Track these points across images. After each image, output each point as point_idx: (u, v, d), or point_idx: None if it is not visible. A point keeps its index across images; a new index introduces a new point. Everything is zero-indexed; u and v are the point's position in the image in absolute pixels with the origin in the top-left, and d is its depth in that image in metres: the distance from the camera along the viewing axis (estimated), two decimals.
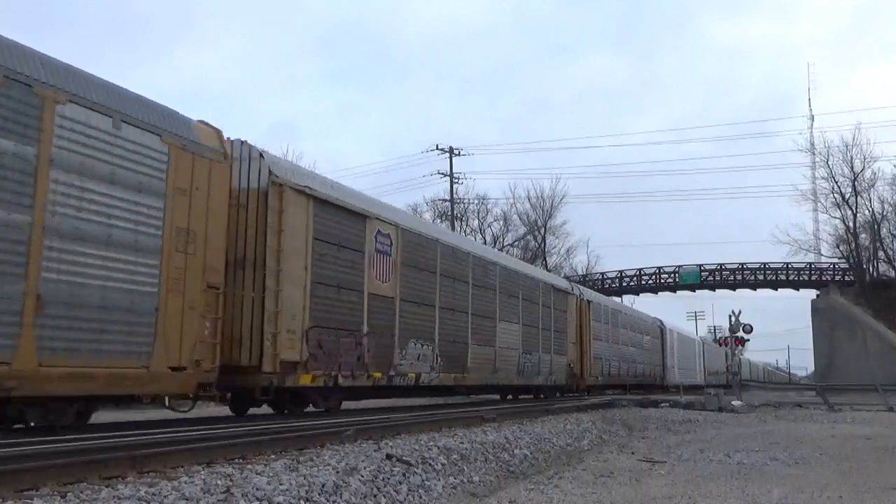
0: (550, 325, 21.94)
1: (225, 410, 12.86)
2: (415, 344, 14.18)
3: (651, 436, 13.81)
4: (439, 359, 15.08)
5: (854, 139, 51.31)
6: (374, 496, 5.99)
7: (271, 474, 5.74)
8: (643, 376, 33.28)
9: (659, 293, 56.77)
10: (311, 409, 12.28)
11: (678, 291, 56.64)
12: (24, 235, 7.17)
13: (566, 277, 44.32)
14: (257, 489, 5.22)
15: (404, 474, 6.71)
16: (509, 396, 21.94)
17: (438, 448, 8.07)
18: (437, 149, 48.23)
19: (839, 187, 51.38)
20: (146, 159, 8.58)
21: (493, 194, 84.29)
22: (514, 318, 19.25)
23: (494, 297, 18.08)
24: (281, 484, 5.44)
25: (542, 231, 56.79)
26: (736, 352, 34.32)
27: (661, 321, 38.58)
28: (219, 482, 5.31)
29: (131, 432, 7.70)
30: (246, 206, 10.57)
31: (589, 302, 25.98)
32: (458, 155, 48.73)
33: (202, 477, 5.46)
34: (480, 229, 54.96)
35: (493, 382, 18.20)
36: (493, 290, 18.02)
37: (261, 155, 10.86)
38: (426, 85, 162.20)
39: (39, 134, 7.37)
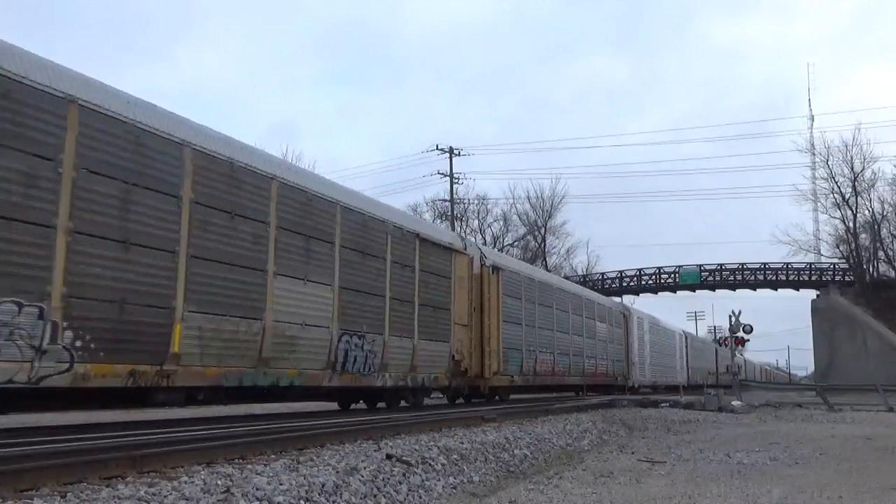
0: (413, 296, 14.34)
1: (227, 409, 12.76)
2: None
3: (651, 436, 13.81)
4: (70, 333, 7.54)
5: (854, 139, 51.78)
6: (374, 496, 5.99)
7: (271, 474, 5.74)
8: (595, 374, 25.81)
9: (659, 293, 56.83)
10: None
11: (678, 291, 56.75)
12: None
13: (566, 276, 43.33)
14: (257, 489, 5.22)
15: (404, 474, 6.71)
16: (361, 404, 14.76)
17: (438, 448, 8.07)
18: (436, 149, 48.32)
19: (839, 187, 51.65)
20: None
21: (493, 194, 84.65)
22: (320, 275, 11.63)
23: (266, 234, 10.55)
24: (281, 484, 5.45)
25: (542, 231, 56.97)
26: (735, 352, 34.14)
27: (625, 306, 33.04)
28: (219, 482, 5.32)
29: (131, 432, 7.72)
30: None
31: (497, 269, 18.23)
32: (458, 155, 48.81)
33: (202, 477, 5.46)
34: (480, 229, 55.11)
35: (261, 383, 10.32)
36: (259, 221, 10.44)
37: None
38: (426, 85, 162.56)
39: None
